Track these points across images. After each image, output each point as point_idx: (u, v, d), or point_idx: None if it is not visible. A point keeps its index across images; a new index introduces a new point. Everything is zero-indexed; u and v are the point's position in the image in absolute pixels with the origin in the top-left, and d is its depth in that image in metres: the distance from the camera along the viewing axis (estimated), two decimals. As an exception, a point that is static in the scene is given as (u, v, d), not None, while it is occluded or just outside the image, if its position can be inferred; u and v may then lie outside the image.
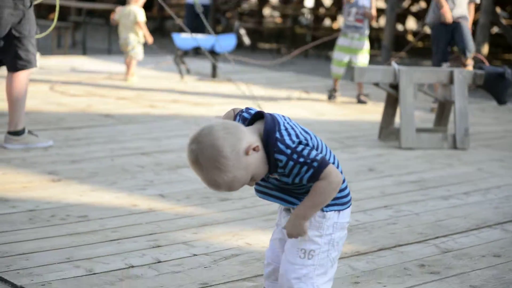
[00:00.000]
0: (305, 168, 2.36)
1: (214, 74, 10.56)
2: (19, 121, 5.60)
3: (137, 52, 9.79)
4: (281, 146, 2.36)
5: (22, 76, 5.54)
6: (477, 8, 15.35)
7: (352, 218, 4.22)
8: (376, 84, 6.65)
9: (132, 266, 3.39)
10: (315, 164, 2.35)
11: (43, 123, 6.56)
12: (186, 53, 10.73)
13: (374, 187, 5.02)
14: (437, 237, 4.01)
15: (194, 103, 8.15)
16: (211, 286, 3.20)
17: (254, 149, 2.34)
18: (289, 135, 2.38)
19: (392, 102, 6.65)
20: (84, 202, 4.35)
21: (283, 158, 2.36)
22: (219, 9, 18.94)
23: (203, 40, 10.32)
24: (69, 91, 8.55)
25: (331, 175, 2.37)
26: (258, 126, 2.41)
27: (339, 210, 2.50)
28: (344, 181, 2.49)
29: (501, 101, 6.85)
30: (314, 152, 2.37)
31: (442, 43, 8.59)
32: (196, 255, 3.58)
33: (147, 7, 21.29)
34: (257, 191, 2.55)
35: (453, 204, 4.69)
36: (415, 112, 6.47)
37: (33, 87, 8.05)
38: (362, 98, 8.86)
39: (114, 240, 3.73)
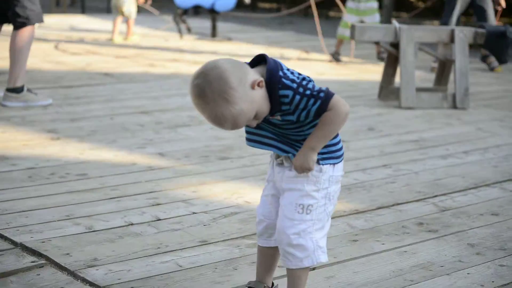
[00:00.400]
0: (312, 100, 2.35)
1: (213, 34, 10.51)
2: (18, 78, 5.59)
3: (132, 11, 9.68)
4: (286, 82, 2.36)
5: (22, 33, 5.53)
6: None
7: (351, 177, 4.26)
8: (377, 43, 6.62)
9: (132, 224, 3.40)
10: (321, 94, 2.36)
11: (42, 82, 6.55)
12: (185, 12, 10.66)
13: (373, 146, 5.03)
14: (435, 196, 4.02)
15: (193, 62, 8.13)
16: (210, 243, 3.22)
17: (258, 85, 2.33)
18: (292, 73, 2.39)
19: (392, 62, 6.62)
20: (83, 160, 4.35)
21: (289, 92, 2.35)
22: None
23: None
24: (69, 49, 8.52)
25: (338, 105, 2.38)
26: (260, 69, 2.40)
27: (334, 164, 2.50)
28: (337, 135, 2.49)
29: (502, 60, 6.83)
30: (318, 86, 2.38)
31: (457, 9, 8.37)
32: (195, 213, 3.60)
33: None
34: (250, 140, 2.52)
35: (451, 163, 4.70)
36: (415, 71, 6.45)
37: (33, 46, 8.01)
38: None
39: (114, 198, 3.74)
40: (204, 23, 11.67)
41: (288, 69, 2.40)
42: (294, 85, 2.35)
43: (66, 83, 6.57)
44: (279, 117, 2.40)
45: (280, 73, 2.37)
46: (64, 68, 7.33)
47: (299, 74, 2.41)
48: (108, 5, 14.77)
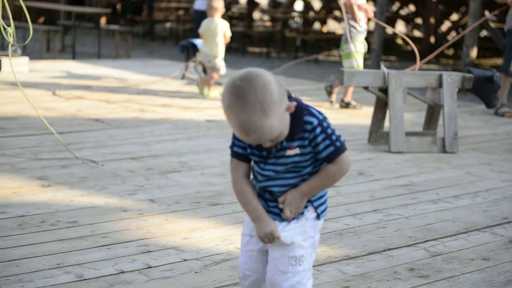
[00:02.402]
0: (327, 142, 2.39)
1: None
2: None
3: (222, 65, 9.05)
4: (313, 110, 2.41)
5: None
6: (465, 11, 15.42)
7: (342, 222, 4.26)
8: (366, 88, 6.67)
9: (123, 272, 3.39)
10: (337, 143, 2.40)
11: (33, 128, 6.56)
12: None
13: (364, 191, 5.04)
14: (426, 241, 4.03)
15: (184, 107, 8.16)
16: (201, 291, 3.21)
17: (289, 109, 2.35)
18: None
19: (381, 106, 6.67)
20: (74, 208, 4.35)
21: (313, 120, 2.39)
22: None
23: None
24: (60, 95, 8.54)
25: (344, 162, 2.43)
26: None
27: (320, 213, 2.52)
28: (326, 193, 2.54)
29: (490, 104, 6.89)
30: (338, 132, 2.43)
31: None
32: (186, 260, 3.59)
33: (136, 11, 21.34)
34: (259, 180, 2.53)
35: (442, 207, 4.71)
36: (404, 115, 6.49)
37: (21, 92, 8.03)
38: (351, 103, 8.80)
39: (105, 245, 3.73)
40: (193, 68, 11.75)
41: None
42: (320, 117, 2.40)
43: (57, 130, 6.56)
44: (297, 150, 2.41)
45: (305, 104, 2.41)
46: (54, 115, 7.34)
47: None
48: (99, 51, 14.84)
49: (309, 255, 2.51)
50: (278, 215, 2.48)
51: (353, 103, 8.72)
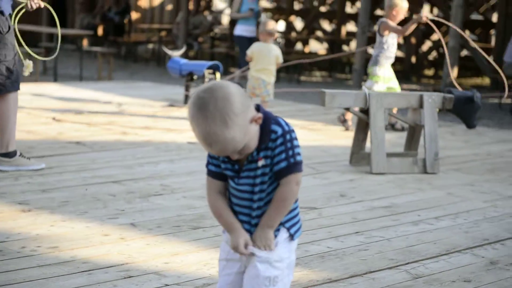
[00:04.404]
0: (283, 156, 2.40)
1: (186, 101, 10.56)
2: (9, 143, 5.74)
3: (270, 93, 8.79)
4: (281, 121, 2.43)
5: (3, 101, 5.67)
6: (446, 31, 15.54)
7: (323, 245, 4.26)
8: (347, 109, 6.70)
9: (103, 298, 3.37)
10: (291, 160, 2.41)
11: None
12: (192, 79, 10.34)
13: (345, 212, 5.05)
14: (407, 263, 4.04)
15: (167, 129, 8.16)
16: (182, 316, 3.19)
17: (256, 121, 2.37)
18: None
19: (362, 127, 6.70)
20: (54, 233, 4.32)
21: (278, 130, 2.40)
22: (190, 34, 18.99)
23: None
24: (40, 118, 8.52)
25: (293, 182, 2.43)
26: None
27: (293, 234, 2.53)
28: (296, 205, 2.53)
29: (470, 125, 6.92)
30: (299, 149, 2.43)
31: None
32: (167, 285, 3.57)
33: (118, 32, 21.34)
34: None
35: (423, 229, 4.73)
36: (385, 136, 6.52)
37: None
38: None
39: (85, 271, 3.71)
40: (176, 90, 11.74)
41: None
42: (286, 128, 2.41)
43: (37, 153, 6.55)
44: (263, 161, 2.42)
45: (273, 115, 2.43)
46: (35, 138, 7.32)
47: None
48: (81, 73, 14.81)
49: (286, 276, 2.52)
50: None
51: (350, 123, 8.70)
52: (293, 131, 2.44)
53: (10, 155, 5.78)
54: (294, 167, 2.41)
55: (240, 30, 13.16)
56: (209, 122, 2.28)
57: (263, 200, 2.47)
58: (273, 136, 2.40)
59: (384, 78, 8.47)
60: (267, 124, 2.40)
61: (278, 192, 2.43)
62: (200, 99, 2.30)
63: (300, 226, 2.56)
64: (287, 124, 2.44)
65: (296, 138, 2.44)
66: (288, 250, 2.52)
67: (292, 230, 2.52)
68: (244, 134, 2.33)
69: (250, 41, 12.35)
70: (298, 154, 2.42)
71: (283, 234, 2.51)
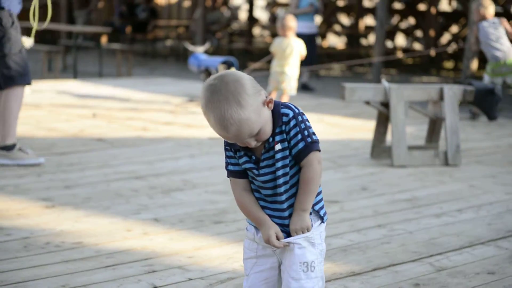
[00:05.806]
0: (299, 137, 2.42)
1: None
2: (7, 135, 5.71)
3: (293, 87, 8.81)
4: (290, 104, 2.45)
5: (9, 93, 5.67)
6: (465, 24, 15.46)
7: (346, 238, 4.26)
8: (367, 103, 6.69)
9: (128, 292, 3.39)
10: (308, 139, 2.42)
11: (35, 149, 6.56)
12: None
13: (367, 206, 5.04)
14: (431, 255, 4.03)
15: (187, 125, 8.18)
16: (207, 310, 3.21)
17: (268, 103, 2.39)
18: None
19: (383, 120, 6.68)
20: (78, 228, 4.35)
21: (289, 112, 2.42)
22: (209, 29, 19.01)
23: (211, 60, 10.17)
24: (61, 115, 8.56)
25: (315, 161, 2.44)
26: None
27: (323, 216, 2.55)
28: (320, 192, 2.53)
29: (491, 116, 6.90)
30: (313, 130, 2.45)
31: None
32: (191, 279, 3.59)
33: (139, 29, 21.36)
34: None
35: (446, 221, 4.71)
36: (406, 129, 6.50)
37: (25, 112, 8.06)
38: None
39: (110, 266, 3.74)
40: (196, 85, 11.77)
41: None
42: (296, 110, 2.44)
43: (59, 150, 6.59)
44: (279, 145, 2.43)
45: (281, 101, 2.46)
46: (57, 135, 7.36)
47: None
48: (100, 70, 14.87)
49: (320, 262, 2.53)
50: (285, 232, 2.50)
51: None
52: (303, 113, 2.46)
53: (8, 148, 5.78)
54: (312, 146, 2.42)
55: (300, 27, 12.86)
56: (223, 104, 2.31)
57: (288, 183, 2.47)
58: (285, 119, 2.42)
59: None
60: (277, 108, 2.44)
61: (302, 175, 2.44)
62: (211, 85, 2.34)
63: (325, 210, 2.58)
64: (296, 107, 2.47)
65: (308, 120, 2.46)
66: (320, 236, 2.53)
67: (321, 212, 2.54)
68: (258, 115, 2.36)
69: (310, 38, 12.32)
70: (314, 133, 2.45)
71: (314, 218, 2.52)
